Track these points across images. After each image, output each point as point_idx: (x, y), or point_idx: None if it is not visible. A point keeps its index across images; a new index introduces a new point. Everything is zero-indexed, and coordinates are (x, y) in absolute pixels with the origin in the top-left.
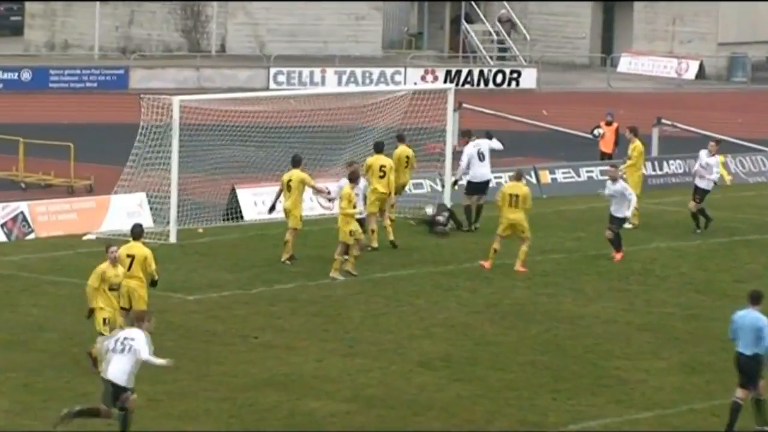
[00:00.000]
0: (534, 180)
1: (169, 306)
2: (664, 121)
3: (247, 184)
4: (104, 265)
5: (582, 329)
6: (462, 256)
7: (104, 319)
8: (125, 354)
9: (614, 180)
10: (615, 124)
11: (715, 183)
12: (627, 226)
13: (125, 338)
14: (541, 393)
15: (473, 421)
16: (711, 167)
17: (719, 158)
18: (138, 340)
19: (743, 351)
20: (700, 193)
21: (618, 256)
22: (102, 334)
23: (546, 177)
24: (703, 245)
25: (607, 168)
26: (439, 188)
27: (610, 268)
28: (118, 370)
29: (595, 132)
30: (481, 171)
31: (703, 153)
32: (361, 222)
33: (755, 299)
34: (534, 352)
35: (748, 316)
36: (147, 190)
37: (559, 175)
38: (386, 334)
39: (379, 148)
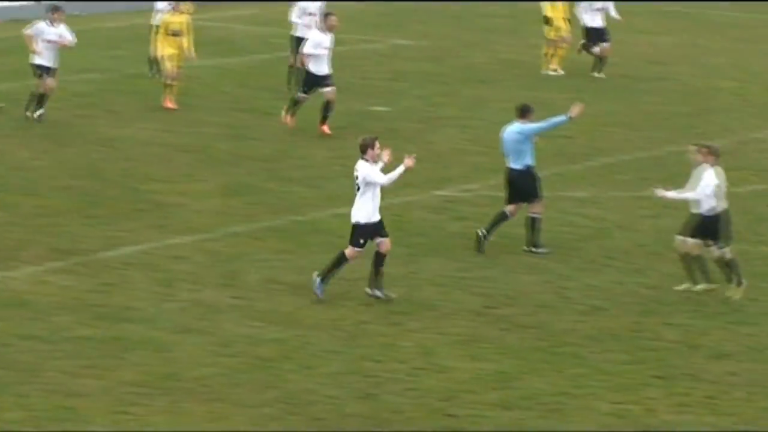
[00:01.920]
0: None
1: None
2: None
3: None
4: None
5: (118, 152)
6: None
7: None
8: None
9: None
10: None
11: None
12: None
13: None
14: (76, 219)
15: (2, 250)
16: None
17: None
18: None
19: (512, 165)
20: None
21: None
22: None
23: None
24: (246, 62)
25: None
26: None
27: (148, 88)
28: None
29: None
30: None
31: None
32: None
33: (521, 112)
34: (68, 177)
35: (509, 129)
36: None
37: None
38: None
39: None
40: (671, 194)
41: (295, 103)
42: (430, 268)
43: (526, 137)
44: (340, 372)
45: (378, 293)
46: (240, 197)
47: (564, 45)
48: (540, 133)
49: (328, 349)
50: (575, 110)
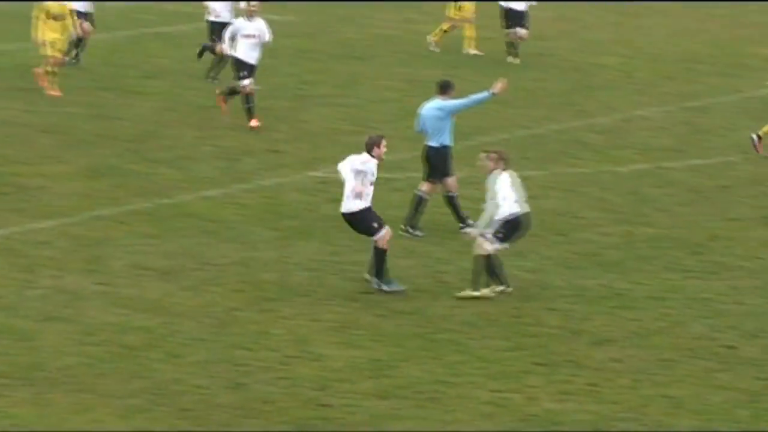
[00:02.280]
0: None
1: None
2: None
3: None
4: None
5: None
6: None
7: None
8: None
9: None
10: None
11: None
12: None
13: None
14: None
15: None
16: None
17: None
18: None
19: (430, 143)
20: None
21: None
22: None
23: None
24: (110, 39)
25: None
26: None
27: (7, 66)
28: None
29: None
30: None
31: None
32: None
33: (441, 88)
34: None
35: (428, 106)
36: None
37: None
38: None
39: None
40: (475, 231)
41: (233, 92)
42: (303, 252)
43: (447, 114)
44: (210, 361)
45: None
46: (104, 179)
47: (466, 25)
48: (461, 111)
49: (196, 337)
50: (498, 86)
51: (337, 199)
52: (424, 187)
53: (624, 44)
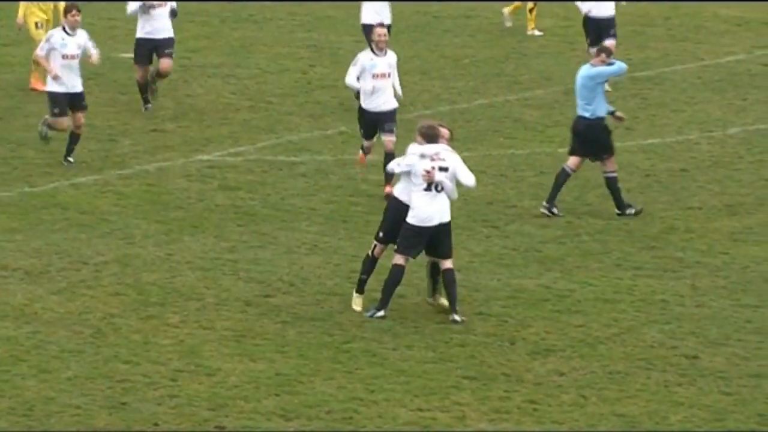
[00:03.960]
0: None
1: None
2: None
3: None
4: None
5: None
6: None
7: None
8: None
9: None
10: None
11: None
12: None
13: None
14: None
15: None
16: None
17: None
18: None
19: (581, 114)
20: None
21: None
22: None
23: None
24: None
25: None
26: None
27: None
28: None
29: None
30: None
31: None
32: None
33: (597, 53)
34: None
35: (579, 74)
36: None
37: None
38: None
39: None
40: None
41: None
42: (192, 249)
43: (596, 83)
44: (85, 376)
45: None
46: None
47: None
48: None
49: (69, 348)
50: None
51: (231, 186)
52: (570, 161)
53: (563, 5)
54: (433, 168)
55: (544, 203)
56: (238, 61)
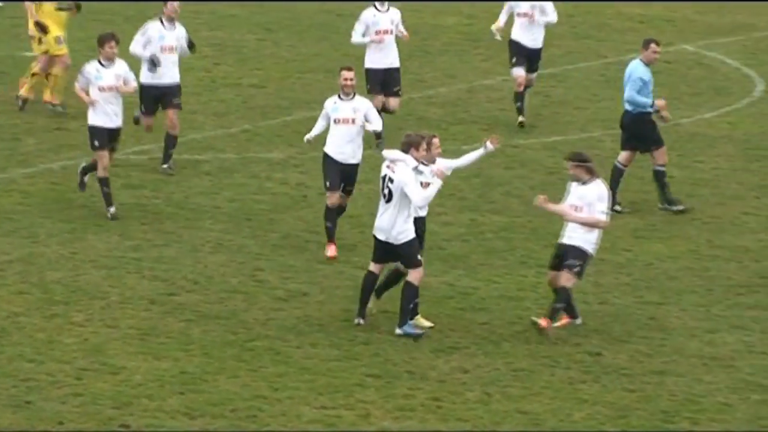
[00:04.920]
0: None
1: None
2: None
3: None
4: None
5: None
6: None
7: None
8: None
9: None
10: None
11: None
12: None
13: None
14: None
15: None
16: None
17: None
18: None
19: (627, 108)
20: None
21: None
22: None
23: None
24: None
25: None
26: None
27: None
28: None
29: None
30: None
31: None
32: None
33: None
34: None
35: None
36: None
37: None
38: None
39: None
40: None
41: None
42: (96, 248)
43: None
44: None
45: None
46: None
47: None
48: None
49: None
50: None
51: (135, 185)
52: (621, 156)
53: (467, 3)
54: (385, 176)
55: None
56: None
